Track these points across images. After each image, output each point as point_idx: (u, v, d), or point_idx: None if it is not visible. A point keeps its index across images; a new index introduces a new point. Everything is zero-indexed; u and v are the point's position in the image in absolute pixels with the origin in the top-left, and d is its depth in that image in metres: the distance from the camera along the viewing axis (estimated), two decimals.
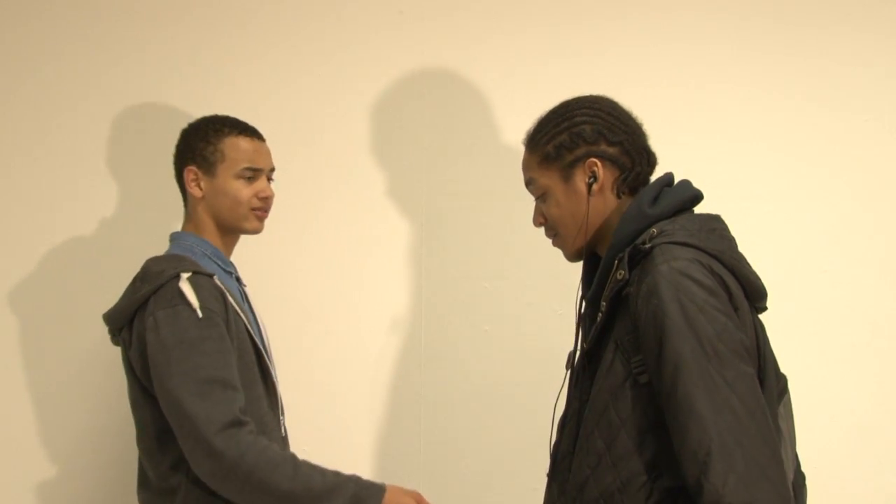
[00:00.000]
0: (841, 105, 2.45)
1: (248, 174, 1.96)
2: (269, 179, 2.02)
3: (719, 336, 1.45)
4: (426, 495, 1.94)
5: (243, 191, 1.95)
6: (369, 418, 2.49)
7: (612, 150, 1.66)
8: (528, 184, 1.75)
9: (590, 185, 1.66)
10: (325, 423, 2.47)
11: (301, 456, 2.33)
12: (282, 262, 2.46)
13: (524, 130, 2.49)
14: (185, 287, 1.79)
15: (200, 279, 1.83)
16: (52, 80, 2.47)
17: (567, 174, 1.67)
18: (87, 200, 2.46)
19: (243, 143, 1.96)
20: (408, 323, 2.49)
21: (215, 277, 1.87)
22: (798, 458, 1.67)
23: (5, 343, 2.43)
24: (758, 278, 1.60)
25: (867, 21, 2.45)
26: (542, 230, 1.72)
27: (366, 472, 2.48)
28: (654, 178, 1.70)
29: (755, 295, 1.59)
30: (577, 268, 2.45)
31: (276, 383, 1.98)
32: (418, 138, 2.49)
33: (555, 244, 1.77)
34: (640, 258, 1.55)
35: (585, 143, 1.66)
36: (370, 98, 2.49)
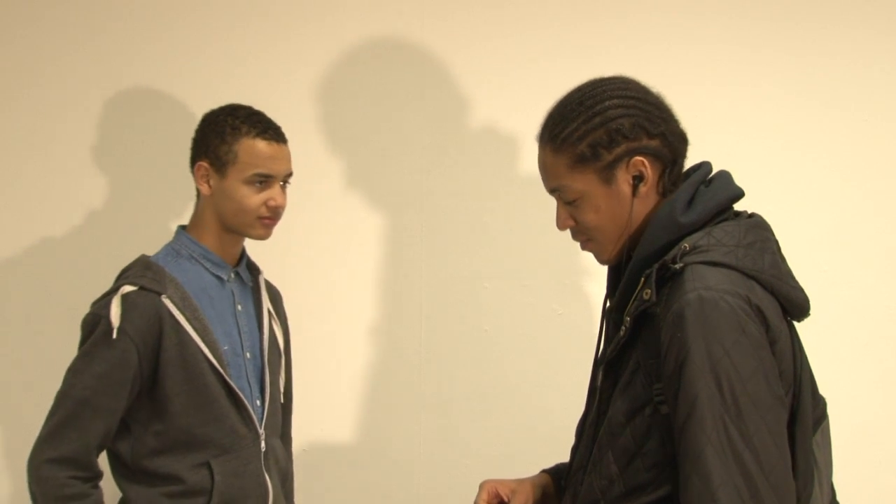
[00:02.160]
0: (840, 104, 2.44)
1: (259, 180, 1.89)
2: (286, 184, 1.97)
3: (744, 384, 1.32)
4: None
5: (251, 198, 1.89)
6: (369, 418, 2.49)
7: (654, 144, 1.47)
8: (555, 190, 1.53)
9: (636, 186, 1.47)
10: (324, 422, 2.47)
11: (301, 456, 2.35)
12: (281, 262, 2.46)
13: (524, 130, 2.49)
14: (115, 304, 1.80)
15: (141, 297, 1.82)
16: (47, 77, 2.47)
17: (607, 176, 1.47)
18: (81, 197, 2.46)
19: (260, 146, 1.90)
20: (408, 323, 2.49)
21: (163, 297, 1.83)
22: (834, 489, 1.56)
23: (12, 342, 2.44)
24: (800, 293, 1.47)
25: (867, 19, 2.45)
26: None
27: (366, 472, 2.49)
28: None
29: (796, 312, 1.47)
30: (577, 269, 2.46)
31: (248, 399, 1.93)
32: (418, 138, 2.49)
33: (586, 248, 1.57)
34: (669, 277, 1.40)
35: (625, 139, 1.46)
36: (370, 98, 2.49)
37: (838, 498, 1.57)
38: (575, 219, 1.53)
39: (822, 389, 1.56)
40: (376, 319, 2.49)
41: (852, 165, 2.45)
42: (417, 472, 2.47)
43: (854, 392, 2.39)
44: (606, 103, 1.48)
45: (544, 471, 1.75)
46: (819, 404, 1.52)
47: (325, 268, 2.49)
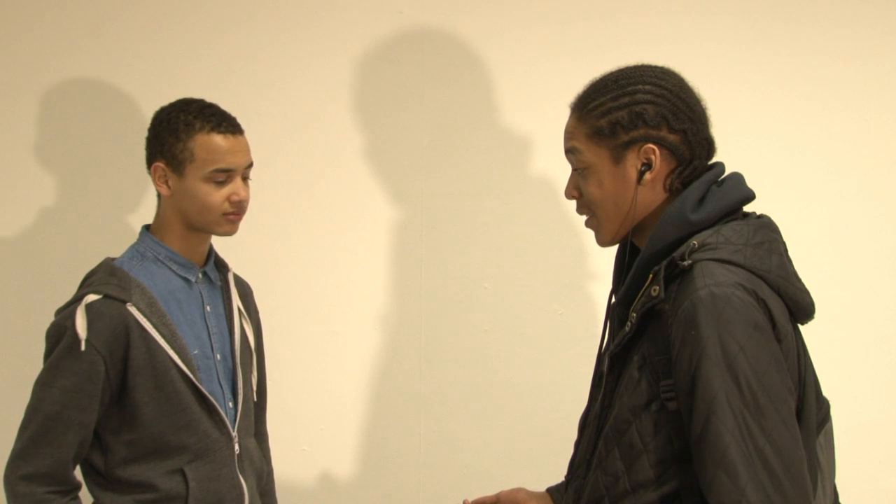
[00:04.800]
0: (840, 104, 2.45)
1: (220, 177, 1.82)
2: (246, 177, 1.88)
3: (760, 379, 1.33)
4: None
5: (213, 195, 1.82)
6: (369, 418, 2.49)
7: (672, 138, 1.49)
8: (569, 152, 1.55)
9: (641, 173, 1.49)
10: (324, 422, 2.47)
11: (301, 455, 2.35)
12: (281, 263, 2.46)
13: (524, 130, 2.50)
14: (80, 314, 1.74)
15: (105, 306, 1.76)
16: (34, 75, 2.47)
17: (618, 156, 1.49)
18: (56, 197, 2.44)
19: (216, 141, 1.81)
20: (408, 323, 2.49)
21: (129, 305, 1.77)
22: (836, 491, 1.57)
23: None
24: (806, 295, 1.48)
25: (867, 19, 2.45)
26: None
27: (366, 472, 2.49)
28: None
29: (801, 314, 1.47)
30: (577, 269, 2.46)
31: (220, 402, 1.89)
32: (417, 138, 2.49)
33: (588, 225, 1.59)
34: (677, 273, 1.41)
35: (646, 125, 1.48)
36: (370, 98, 2.49)
37: (840, 499, 1.57)
38: (581, 190, 1.55)
39: (823, 389, 1.56)
40: (376, 319, 2.49)
41: (853, 165, 2.45)
42: (417, 472, 2.48)
43: (855, 392, 2.40)
44: (639, 87, 1.50)
45: (548, 490, 1.78)
46: (822, 406, 1.52)
47: (326, 268, 2.49)
